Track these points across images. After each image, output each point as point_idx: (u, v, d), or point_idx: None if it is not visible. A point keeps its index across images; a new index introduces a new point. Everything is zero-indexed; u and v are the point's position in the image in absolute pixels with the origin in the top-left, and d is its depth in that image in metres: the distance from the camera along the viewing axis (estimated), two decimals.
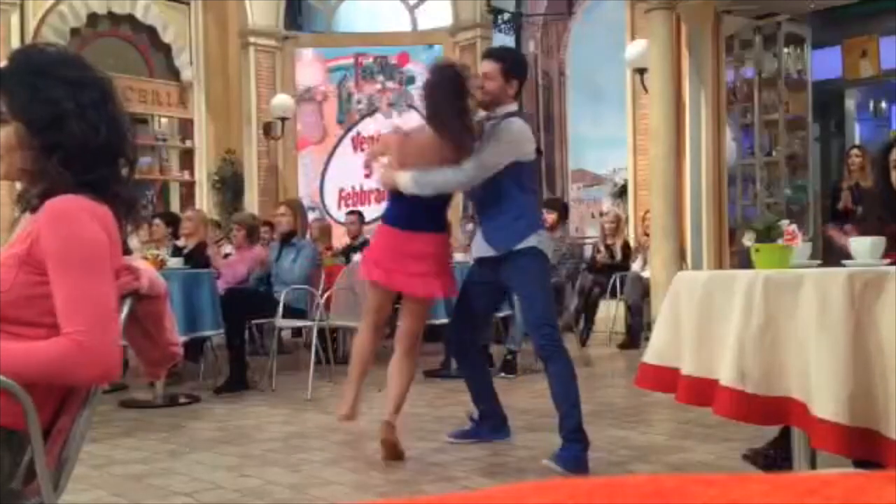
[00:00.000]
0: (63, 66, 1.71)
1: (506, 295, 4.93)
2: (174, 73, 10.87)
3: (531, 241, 3.79)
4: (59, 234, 1.59)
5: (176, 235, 7.11)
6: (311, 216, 8.05)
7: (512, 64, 3.95)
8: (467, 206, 8.69)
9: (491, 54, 4.06)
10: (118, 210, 1.71)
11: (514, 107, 3.93)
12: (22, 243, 1.62)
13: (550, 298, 3.95)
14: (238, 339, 6.02)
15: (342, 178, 11.17)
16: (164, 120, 11.00)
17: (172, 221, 7.19)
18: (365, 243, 8.34)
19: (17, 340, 1.57)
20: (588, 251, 9.30)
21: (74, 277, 1.58)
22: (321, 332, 6.01)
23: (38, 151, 1.66)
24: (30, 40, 9.19)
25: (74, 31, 9.89)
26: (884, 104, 10.98)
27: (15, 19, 9.28)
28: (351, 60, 11.29)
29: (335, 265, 7.45)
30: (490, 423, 4.20)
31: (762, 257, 2.70)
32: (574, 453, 3.60)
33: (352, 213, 9.13)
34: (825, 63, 9.58)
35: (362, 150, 11.18)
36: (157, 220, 7.11)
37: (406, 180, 3.78)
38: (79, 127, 1.65)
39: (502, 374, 6.19)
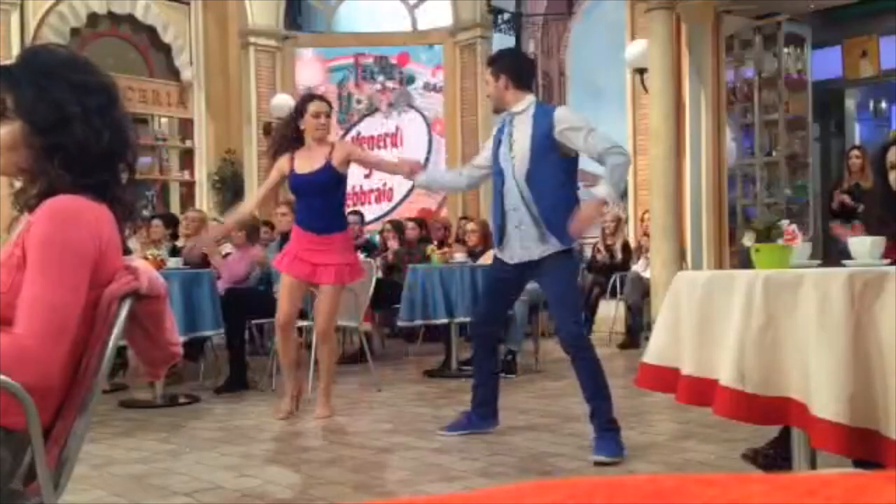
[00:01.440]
0: (72, 68, 1.70)
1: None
2: (174, 73, 10.87)
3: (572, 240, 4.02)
4: (44, 234, 1.59)
5: (175, 236, 7.10)
6: None
7: (493, 63, 4.20)
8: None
9: (487, 63, 4.35)
10: (117, 212, 1.71)
11: (526, 100, 4.06)
12: (20, 244, 1.62)
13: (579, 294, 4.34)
14: (238, 339, 6.02)
15: None
16: (164, 120, 11.00)
17: (171, 222, 7.19)
18: (365, 244, 8.34)
19: None
20: (588, 251, 9.29)
21: (43, 279, 1.57)
22: None
23: (38, 152, 1.66)
24: (30, 40, 9.19)
25: (74, 31, 9.89)
26: (884, 104, 10.98)
27: (15, 19, 9.28)
28: (351, 60, 11.29)
29: None
30: (480, 411, 4.29)
31: (762, 257, 2.70)
32: (611, 441, 3.77)
33: (353, 213, 9.12)
34: (825, 63, 9.58)
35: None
36: (156, 221, 7.11)
37: (608, 191, 3.81)
38: (82, 131, 1.65)
39: (502, 375, 6.18)
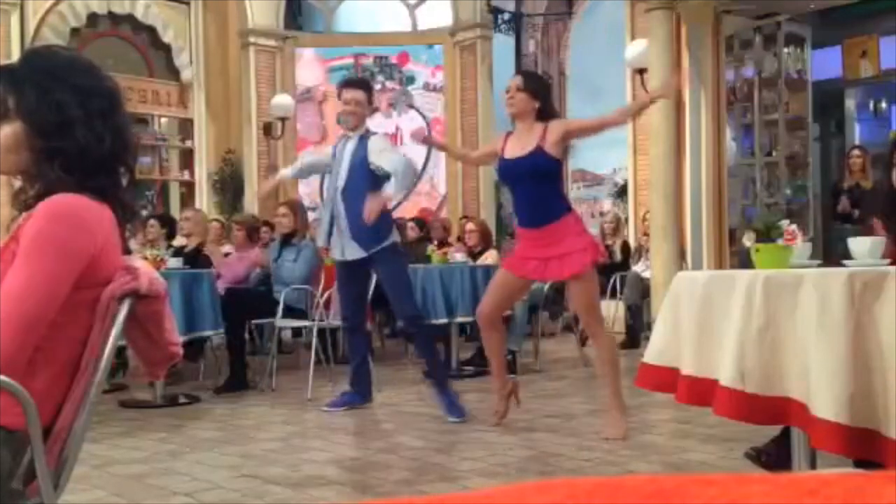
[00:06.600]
0: (75, 71, 1.70)
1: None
2: (174, 73, 10.87)
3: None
4: (38, 228, 1.59)
5: (172, 236, 7.09)
6: (311, 216, 8.03)
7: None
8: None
9: (360, 84, 5.21)
10: (118, 213, 1.71)
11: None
12: (16, 239, 1.62)
13: None
14: (238, 339, 6.01)
15: None
16: (164, 120, 11.01)
17: (168, 222, 7.18)
18: None
19: None
20: None
21: (26, 271, 1.57)
22: (321, 332, 6.01)
23: (39, 154, 1.65)
24: (30, 40, 9.20)
25: (74, 31, 9.90)
26: (884, 104, 10.98)
27: (15, 19, 9.29)
28: (351, 60, 11.29)
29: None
30: (358, 389, 5.14)
31: (762, 257, 2.70)
32: (455, 403, 4.69)
33: None
34: (825, 63, 9.58)
35: None
36: (152, 221, 7.09)
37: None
38: (84, 135, 1.65)
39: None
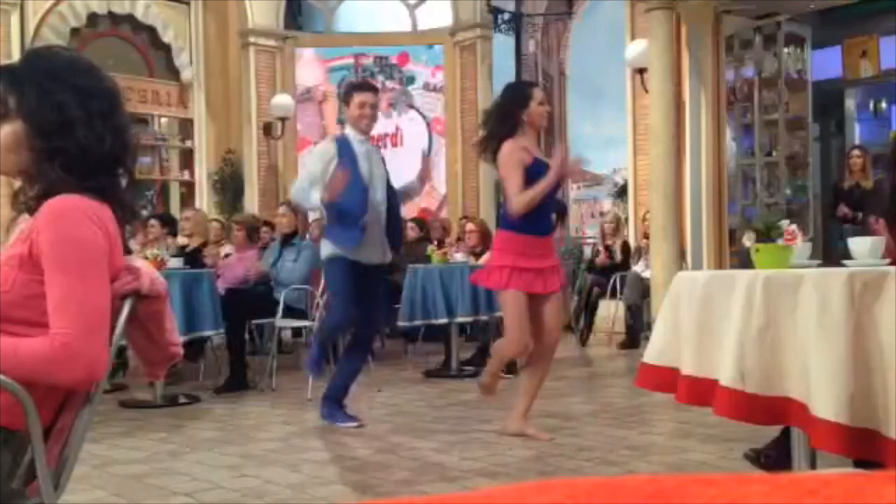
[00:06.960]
0: (75, 72, 1.71)
1: None
2: (174, 73, 10.87)
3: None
4: (55, 233, 1.59)
5: (173, 235, 7.09)
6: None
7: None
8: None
9: (373, 88, 5.08)
10: (118, 214, 1.71)
11: None
12: (22, 243, 1.62)
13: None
14: (238, 339, 6.01)
15: None
16: (164, 120, 11.00)
17: (169, 222, 7.18)
18: None
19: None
20: (588, 251, 9.31)
21: (67, 278, 1.58)
22: None
23: (39, 154, 1.66)
24: (30, 40, 9.20)
25: (74, 31, 9.89)
26: (884, 104, 10.97)
27: (15, 19, 9.28)
28: (351, 60, 11.28)
29: None
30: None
31: (762, 257, 2.70)
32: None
33: None
34: (825, 63, 9.58)
35: None
36: (152, 221, 7.10)
37: None
38: (84, 135, 1.65)
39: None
